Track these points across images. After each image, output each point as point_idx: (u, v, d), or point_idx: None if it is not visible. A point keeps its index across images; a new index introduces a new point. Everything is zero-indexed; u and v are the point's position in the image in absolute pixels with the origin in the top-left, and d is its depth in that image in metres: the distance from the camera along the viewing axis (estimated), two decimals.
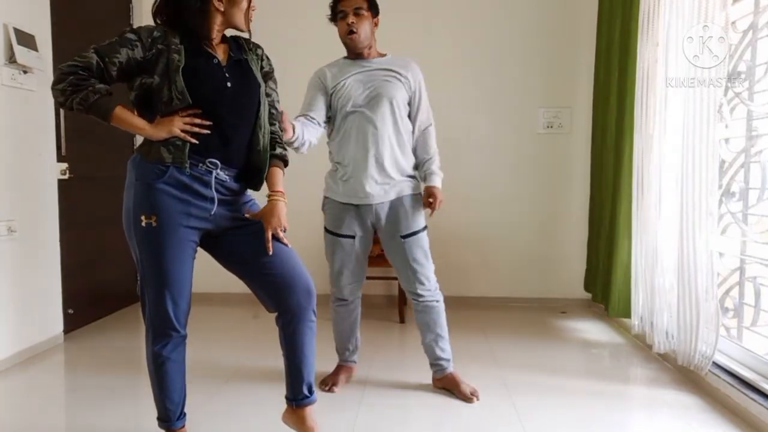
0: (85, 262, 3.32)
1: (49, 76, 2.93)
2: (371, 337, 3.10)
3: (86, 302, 3.35)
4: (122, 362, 2.78)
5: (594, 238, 3.59)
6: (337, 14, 2.27)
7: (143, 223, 1.64)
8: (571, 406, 2.26)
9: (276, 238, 1.77)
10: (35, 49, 2.78)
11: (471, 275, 3.93)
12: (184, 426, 1.85)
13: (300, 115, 2.24)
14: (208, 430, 2.04)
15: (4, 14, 2.64)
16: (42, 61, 2.84)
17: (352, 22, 2.22)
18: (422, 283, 2.32)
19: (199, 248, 1.79)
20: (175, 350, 1.76)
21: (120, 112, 1.64)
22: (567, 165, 3.88)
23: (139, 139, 3.84)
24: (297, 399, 1.86)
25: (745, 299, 2.37)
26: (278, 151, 1.86)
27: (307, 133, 2.15)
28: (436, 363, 2.40)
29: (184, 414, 1.84)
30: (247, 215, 1.78)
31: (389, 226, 2.31)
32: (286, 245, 1.81)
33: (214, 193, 1.71)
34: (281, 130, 1.91)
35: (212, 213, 1.72)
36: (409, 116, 2.34)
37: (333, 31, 2.35)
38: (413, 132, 2.36)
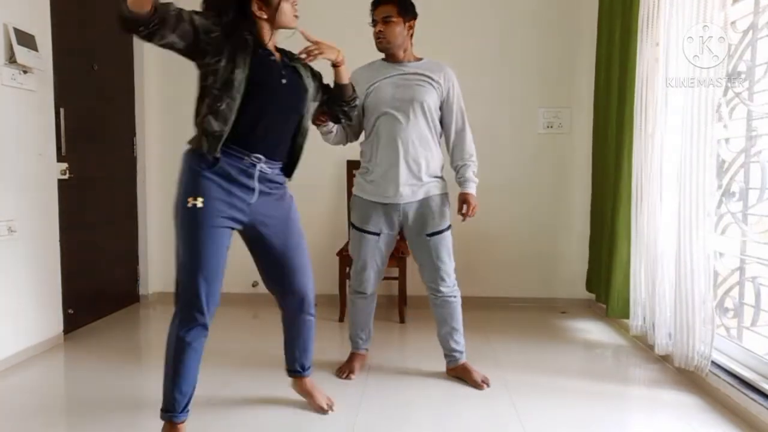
0: (85, 262, 3.32)
1: (49, 76, 2.94)
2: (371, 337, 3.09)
3: (86, 302, 3.35)
4: (122, 362, 2.78)
5: (596, 238, 3.59)
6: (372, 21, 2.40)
7: (189, 204, 1.77)
8: (571, 407, 2.26)
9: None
10: (35, 49, 2.78)
11: (471, 275, 3.91)
12: (184, 421, 1.87)
13: None
14: (210, 428, 2.04)
15: (4, 14, 2.63)
16: (42, 61, 2.84)
17: (381, 31, 2.35)
18: (443, 280, 2.45)
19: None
20: (197, 339, 1.84)
21: None
22: (567, 165, 3.88)
23: (140, 140, 3.85)
24: (292, 371, 2.21)
25: (745, 299, 2.37)
26: None
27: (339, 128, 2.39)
28: (450, 354, 2.54)
29: (188, 409, 1.87)
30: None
31: (416, 224, 2.42)
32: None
33: (257, 185, 1.87)
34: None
35: (251, 203, 1.88)
36: (441, 120, 2.46)
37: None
38: (449, 136, 2.48)
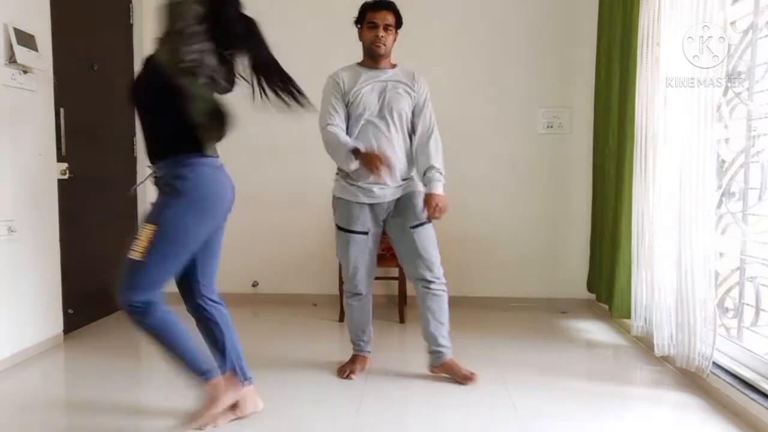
0: (85, 262, 3.32)
1: (49, 76, 2.94)
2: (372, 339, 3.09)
3: (86, 302, 3.35)
4: (122, 362, 2.78)
5: (597, 238, 3.59)
6: (365, 21, 2.42)
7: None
8: (571, 407, 2.25)
9: None
10: (35, 49, 2.78)
11: (472, 275, 3.92)
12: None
13: (330, 124, 2.39)
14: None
15: (4, 14, 2.63)
16: (42, 61, 2.84)
17: (382, 36, 2.40)
18: (431, 270, 2.46)
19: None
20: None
21: None
22: (567, 165, 3.87)
23: (140, 140, 3.84)
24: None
25: (745, 299, 2.37)
26: None
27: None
28: (436, 350, 2.51)
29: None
30: None
31: (399, 218, 2.47)
32: None
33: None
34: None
35: None
36: (412, 123, 2.50)
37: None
38: (417, 139, 2.50)
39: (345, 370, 2.56)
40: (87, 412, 2.20)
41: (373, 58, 2.46)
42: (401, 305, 3.55)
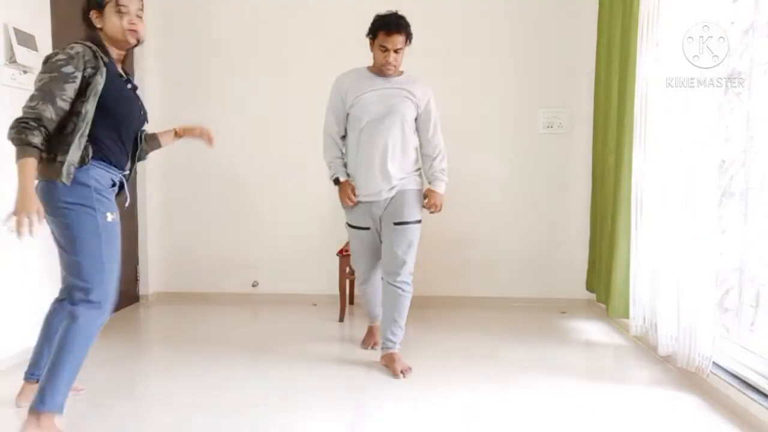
0: None
1: None
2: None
3: None
4: (122, 362, 2.78)
5: (596, 237, 3.60)
6: (376, 39, 2.50)
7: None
8: (571, 407, 2.26)
9: None
10: (35, 49, 2.78)
11: (471, 275, 3.93)
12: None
13: (327, 132, 2.67)
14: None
15: (4, 14, 2.63)
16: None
17: (392, 59, 2.50)
18: (399, 268, 2.58)
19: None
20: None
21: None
22: (567, 165, 3.88)
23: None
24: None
25: (745, 299, 2.37)
26: None
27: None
28: (384, 342, 2.66)
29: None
30: None
31: (389, 213, 2.61)
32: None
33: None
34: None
35: None
36: (417, 128, 2.65)
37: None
38: (421, 144, 2.67)
39: (368, 343, 2.90)
40: (87, 412, 2.20)
41: (381, 71, 2.58)
42: None
